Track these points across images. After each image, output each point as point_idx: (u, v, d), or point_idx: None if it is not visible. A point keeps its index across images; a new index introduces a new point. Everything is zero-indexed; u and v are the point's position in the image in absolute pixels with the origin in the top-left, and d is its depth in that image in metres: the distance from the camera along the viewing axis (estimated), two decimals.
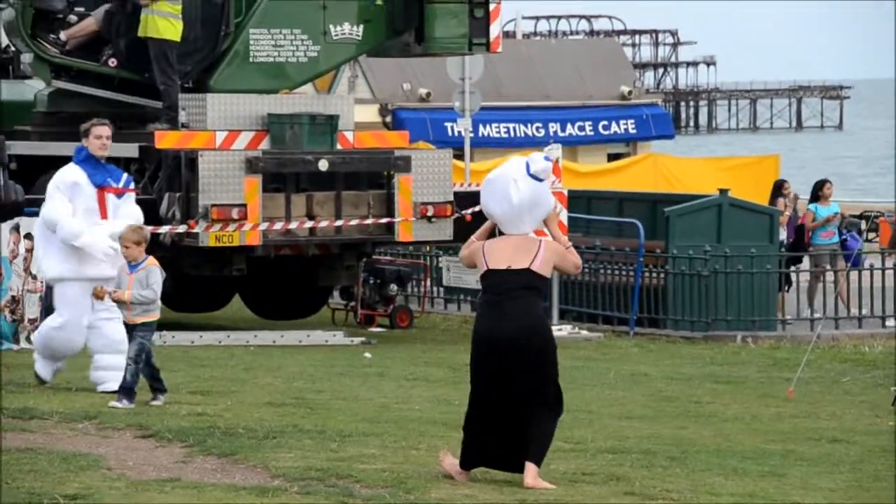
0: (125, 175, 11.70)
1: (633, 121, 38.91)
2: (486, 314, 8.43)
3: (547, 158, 8.65)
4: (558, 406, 8.47)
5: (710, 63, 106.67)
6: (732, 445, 10.30)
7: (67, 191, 11.44)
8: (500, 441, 8.40)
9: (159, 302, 11.01)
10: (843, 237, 19.96)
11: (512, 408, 8.36)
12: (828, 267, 19.29)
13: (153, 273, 10.89)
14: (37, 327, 14.81)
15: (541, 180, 8.47)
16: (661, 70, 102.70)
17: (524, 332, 8.30)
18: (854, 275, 18.86)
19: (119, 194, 11.42)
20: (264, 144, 16.39)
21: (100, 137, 11.40)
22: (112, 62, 16.64)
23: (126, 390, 10.81)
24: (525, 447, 8.36)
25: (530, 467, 8.37)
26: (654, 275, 18.41)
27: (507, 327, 8.30)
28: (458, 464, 8.56)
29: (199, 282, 17.31)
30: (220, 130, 16.30)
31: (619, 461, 9.36)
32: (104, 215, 11.31)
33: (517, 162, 8.56)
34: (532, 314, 8.34)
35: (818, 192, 19.99)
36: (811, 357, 14.59)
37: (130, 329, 10.89)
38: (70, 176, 11.49)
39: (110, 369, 11.27)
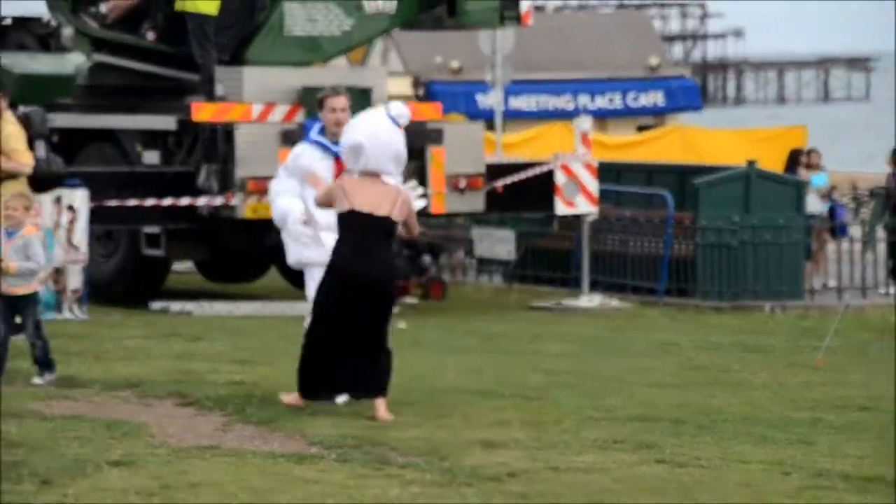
0: None
1: (661, 93, 38.84)
2: (351, 253, 8.96)
3: (405, 104, 9.12)
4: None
5: (738, 35, 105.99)
6: (761, 413, 10.35)
7: (293, 170, 9.84)
8: (345, 367, 9.08)
9: (41, 274, 10.50)
10: (831, 206, 20.06)
11: (360, 341, 9.05)
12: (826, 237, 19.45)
13: (33, 243, 10.25)
14: (79, 298, 15.09)
15: (398, 125, 8.96)
16: (689, 42, 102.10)
17: (384, 277, 9.02)
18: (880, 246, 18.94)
19: None
20: (299, 117, 16.54)
21: (334, 111, 9.62)
22: (150, 35, 16.80)
23: (43, 363, 10.36)
24: (373, 379, 9.06)
25: (381, 402, 9.11)
26: (683, 245, 18.52)
27: (370, 269, 8.96)
28: (300, 395, 9.11)
29: (236, 253, 17.52)
30: (257, 103, 16.46)
31: (648, 429, 9.42)
32: None
33: (376, 109, 9.18)
34: (391, 262, 9.10)
35: (806, 160, 20.07)
36: (839, 326, 14.68)
37: (14, 301, 10.15)
38: (297, 153, 9.93)
39: None
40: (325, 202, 9.09)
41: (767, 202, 18.58)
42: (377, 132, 8.90)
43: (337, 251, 9.01)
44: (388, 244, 9.01)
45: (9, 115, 13.42)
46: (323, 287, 9.09)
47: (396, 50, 37.51)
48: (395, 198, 8.96)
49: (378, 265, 8.95)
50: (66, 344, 12.54)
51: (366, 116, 9.11)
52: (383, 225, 8.92)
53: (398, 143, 8.97)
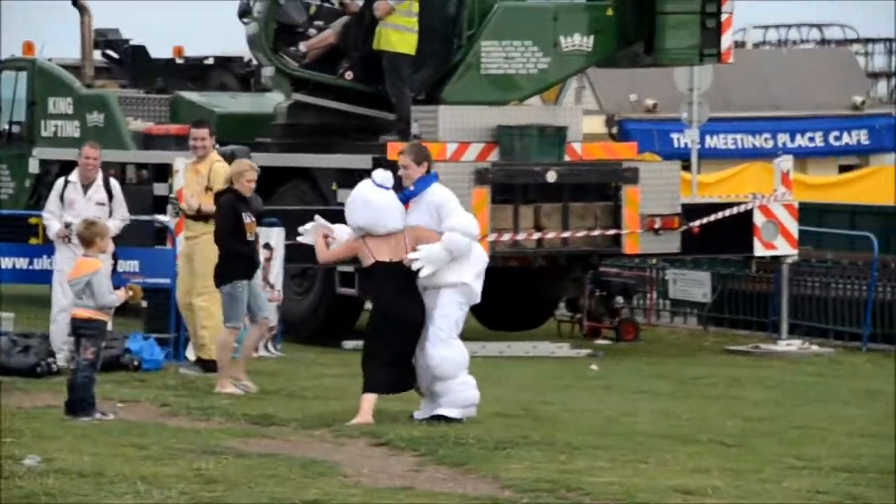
0: None
1: (865, 131, 37.96)
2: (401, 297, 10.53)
3: (387, 170, 10.75)
4: None
5: None
6: None
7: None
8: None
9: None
10: None
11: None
12: None
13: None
14: (275, 335, 15.22)
15: (387, 188, 10.68)
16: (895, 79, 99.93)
17: (421, 311, 10.74)
18: None
19: None
20: (493, 156, 16.52)
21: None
22: (348, 75, 16.97)
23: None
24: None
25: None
26: (889, 290, 17.98)
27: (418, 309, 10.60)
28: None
29: None
30: (451, 142, 16.49)
31: (854, 480, 9.17)
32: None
33: (364, 181, 10.82)
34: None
35: None
36: None
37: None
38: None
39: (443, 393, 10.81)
40: (344, 257, 10.87)
41: None
42: (379, 199, 10.62)
43: (391, 299, 10.58)
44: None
45: (215, 154, 13.68)
46: (384, 322, 10.61)
47: (591, 87, 37.35)
48: (404, 242, 10.66)
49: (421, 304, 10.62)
50: (263, 381, 12.70)
51: (364, 191, 10.78)
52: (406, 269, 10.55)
53: (395, 204, 10.62)
